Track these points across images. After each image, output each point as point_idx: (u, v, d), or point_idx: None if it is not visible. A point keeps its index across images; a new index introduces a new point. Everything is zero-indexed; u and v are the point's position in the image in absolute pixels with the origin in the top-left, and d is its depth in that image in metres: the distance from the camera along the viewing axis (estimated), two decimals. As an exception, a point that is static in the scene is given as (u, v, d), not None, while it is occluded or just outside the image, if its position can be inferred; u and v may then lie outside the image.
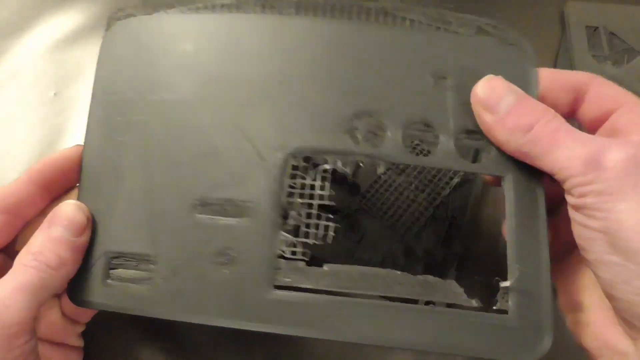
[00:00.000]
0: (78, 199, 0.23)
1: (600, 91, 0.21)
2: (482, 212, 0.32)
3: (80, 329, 0.27)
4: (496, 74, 0.22)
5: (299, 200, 0.22)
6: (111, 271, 0.23)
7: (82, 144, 0.24)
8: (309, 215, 0.22)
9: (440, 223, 0.30)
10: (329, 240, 0.22)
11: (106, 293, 0.22)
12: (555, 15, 0.42)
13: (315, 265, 0.21)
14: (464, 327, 0.20)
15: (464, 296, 0.21)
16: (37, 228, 0.22)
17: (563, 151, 0.19)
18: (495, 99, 0.21)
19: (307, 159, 0.22)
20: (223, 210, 0.22)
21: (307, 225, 0.22)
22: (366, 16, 0.24)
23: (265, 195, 0.22)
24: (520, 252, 0.20)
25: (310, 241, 0.22)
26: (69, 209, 0.22)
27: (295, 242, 0.21)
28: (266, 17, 0.24)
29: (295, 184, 0.22)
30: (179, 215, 0.22)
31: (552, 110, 0.20)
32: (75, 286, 0.23)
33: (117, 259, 0.23)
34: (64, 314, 0.25)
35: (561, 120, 0.20)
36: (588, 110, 0.21)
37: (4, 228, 0.23)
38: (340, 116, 0.22)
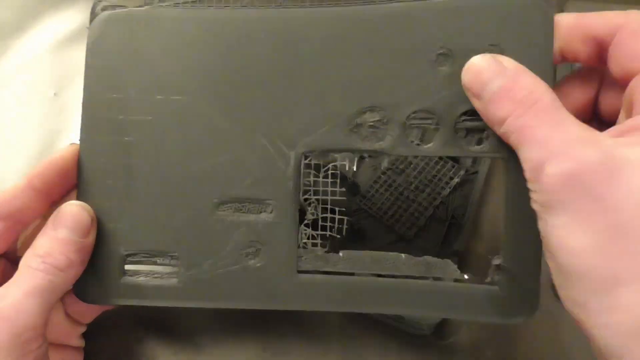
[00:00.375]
0: (77, 199, 0.23)
1: (625, 44, 0.19)
2: (482, 212, 0.31)
3: (82, 329, 0.27)
4: (503, 38, 0.21)
5: (314, 197, 0.24)
6: (127, 267, 0.24)
7: (77, 143, 0.24)
8: (324, 210, 0.24)
9: (440, 223, 0.30)
10: (344, 232, 0.24)
11: (124, 289, 0.23)
12: (555, 15, 0.42)
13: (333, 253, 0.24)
14: (458, 296, 0.23)
15: (458, 272, 0.23)
16: (37, 231, 0.22)
17: (523, 151, 0.19)
18: (479, 86, 0.20)
19: (317, 156, 0.24)
20: (243, 207, 0.23)
21: (324, 219, 0.24)
22: None
23: (282, 193, 0.23)
24: (512, 230, 0.22)
25: (327, 233, 0.24)
26: (73, 209, 0.22)
27: (314, 234, 0.24)
28: (266, 11, 0.23)
29: (309, 181, 0.23)
30: (199, 213, 0.23)
31: (537, 93, 0.19)
32: (86, 285, 0.23)
33: (133, 256, 0.24)
34: (67, 315, 0.25)
35: (538, 110, 0.18)
36: (612, 66, 0.20)
37: (4, 234, 0.23)
38: (344, 115, 0.23)
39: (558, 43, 0.21)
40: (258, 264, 0.23)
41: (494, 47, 0.21)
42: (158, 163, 0.23)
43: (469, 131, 0.22)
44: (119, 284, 0.23)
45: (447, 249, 0.30)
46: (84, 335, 0.27)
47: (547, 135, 0.18)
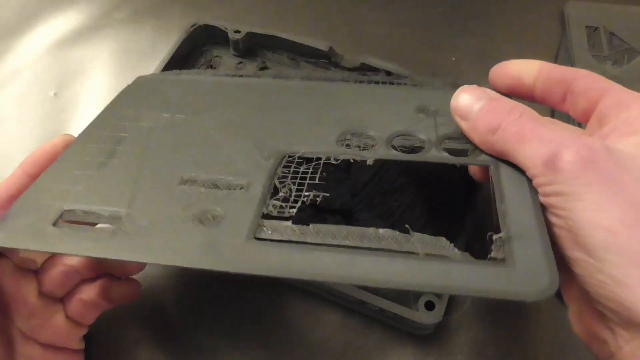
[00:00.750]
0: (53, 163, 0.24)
1: (585, 83, 0.22)
2: (482, 212, 0.32)
3: (83, 331, 0.27)
4: None
5: (291, 180, 0.22)
6: (62, 223, 0.21)
7: (71, 134, 0.26)
8: (299, 190, 0.21)
9: (440, 223, 0.30)
10: (317, 203, 0.21)
11: (51, 235, 0.21)
12: (555, 15, 0.42)
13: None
14: (460, 273, 0.18)
15: (455, 250, 0.19)
16: None
17: (526, 150, 0.20)
18: (467, 107, 0.22)
19: (301, 159, 0.23)
20: (213, 186, 0.22)
21: (297, 196, 0.21)
22: (361, 81, 0.28)
23: (258, 178, 0.22)
24: (510, 208, 0.20)
25: (298, 205, 0.21)
26: None
27: (284, 205, 0.21)
28: (281, 82, 0.29)
29: (288, 171, 0.23)
30: (164, 183, 0.22)
31: (521, 107, 0.21)
32: (5, 229, 0.21)
33: (71, 211, 0.22)
34: (67, 317, 0.25)
35: (529, 117, 0.20)
36: (575, 102, 0.22)
37: None
38: (333, 133, 0.24)
39: (532, 82, 0.23)
40: (210, 228, 0.20)
41: None
42: (141, 150, 0.24)
43: (453, 151, 0.23)
44: (46, 232, 0.21)
45: (447, 249, 0.30)
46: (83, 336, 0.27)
47: (549, 132, 0.19)
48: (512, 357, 0.29)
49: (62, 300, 0.26)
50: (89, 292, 0.26)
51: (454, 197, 0.31)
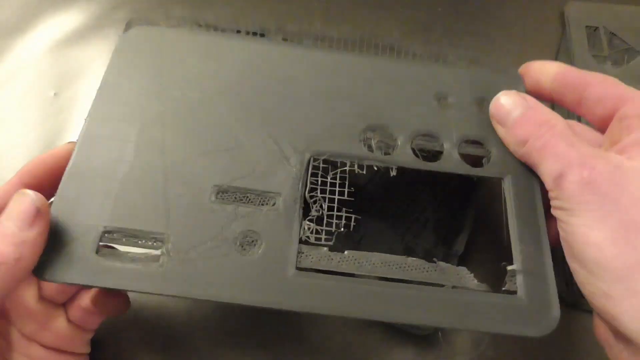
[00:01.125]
0: (70, 164, 0.22)
1: (599, 90, 0.23)
2: (482, 212, 0.31)
3: (89, 336, 0.26)
4: (489, 95, 0.25)
5: (320, 195, 0.23)
6: (104, 248, 0.21)
7: (74, 142, 0.23)
8: (330, 209, 0.23)
9: (440, 223, 0.30)
10: (351, 228, 0.23)
11: (96, 269, 0.21)
12: (555, 15, 0.42)
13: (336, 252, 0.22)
14: (477, 306, 0.21)
15: (474, 281, 0.22)
16: None
17: (544, 166, 0.21)
18: (504, 114, 0.24)
19: (326, 162, 0.24)
20: (244, 198, 0.22)
21: (329, 217, 0.23)
22: (375, 50, 0.27)
23: (287, 188, 0.23)
24: (522, 239, 0.22)
25: (333, 229, 0.22)
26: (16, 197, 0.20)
27: (319, 229, 0.22)
28: (291, 47, 0.27)
29: (316, 181, 0.23)
30: (196, 196, 0.22)
31: (554, 121, 0.22)
32: (49, 261, 0.21)
33: (111, 234, 0.21)
34: (69, 321, 0.25)
35: (555, 132, 0.21)
36: (591, 109, 0.23)
37: None
38: (354, 128, 0.25)
39: (550, 85, 0.24)
40: (253, 256, 0.21)
41: (483, 100, 0.25)
42: (161, 144, 0.23)
43: (470, 156, 0.24)
44: (91, 262, 0.21)
45: (447, 249, 0.30)
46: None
47: (565, 150, 0.21)
48: (512, 358, 0.29)
49: (64, 304, 0.25)
50: (86, 299, 0.25)
51: (454, 196, 0.31)
